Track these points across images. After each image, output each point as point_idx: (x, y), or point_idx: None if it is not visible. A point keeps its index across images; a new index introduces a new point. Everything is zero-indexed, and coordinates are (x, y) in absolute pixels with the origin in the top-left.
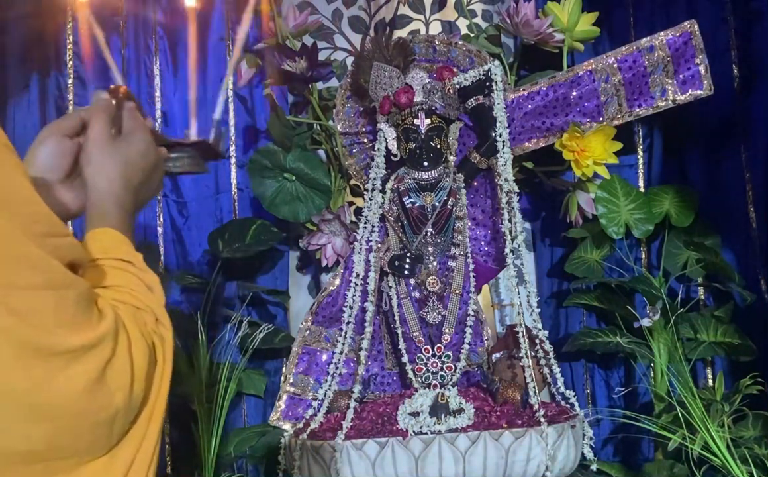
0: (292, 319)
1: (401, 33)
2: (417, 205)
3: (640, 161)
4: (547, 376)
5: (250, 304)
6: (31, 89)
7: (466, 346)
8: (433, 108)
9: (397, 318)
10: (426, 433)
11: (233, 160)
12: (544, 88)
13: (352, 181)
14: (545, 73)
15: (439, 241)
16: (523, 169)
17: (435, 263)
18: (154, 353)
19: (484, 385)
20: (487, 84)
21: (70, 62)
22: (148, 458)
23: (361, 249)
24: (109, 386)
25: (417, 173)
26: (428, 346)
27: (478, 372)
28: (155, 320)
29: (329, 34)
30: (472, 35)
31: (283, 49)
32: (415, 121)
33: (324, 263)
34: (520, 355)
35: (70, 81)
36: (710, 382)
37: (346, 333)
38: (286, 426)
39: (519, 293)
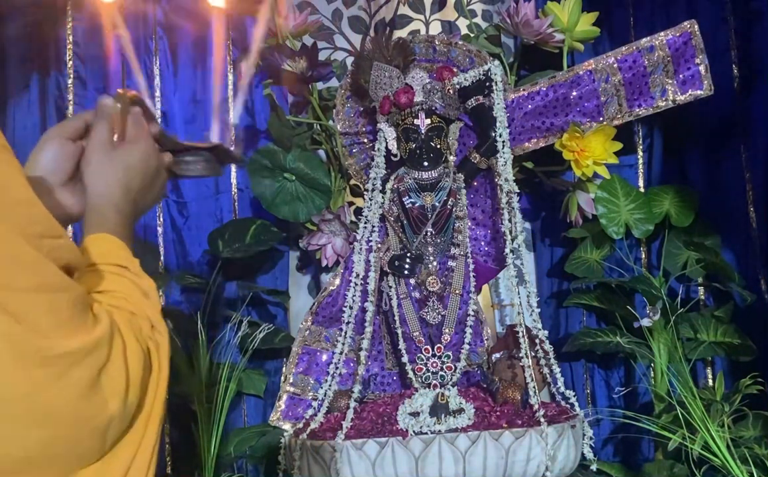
0: (292, 319)
1: (401, 33)
2: (417, 205)
3: (640, 161)
4: (547, 376)
5: (250, 304)
6: (31, 89)
7: (466, 346)
8: (433, 108)
9: (397, 318)
10: (426, 433)
11: None
12: (544, 88)
13: (352, 181)
14: (545, 73)
15: (439, 241)
16: (523, 169)
17: (435, 263)
18: (149, 359)
19: (484, 385)
20: (487, 84)
21: (70, 62)
22: (145, 466)
23: (361, 249)
24: (104, 392)
25: (417, 173)
26: (428, 346)
27: (478, 372)
28: (151, 326)
29: (329, 34)
30: (472, 35)
31: (283, 49)
32: (415, 121)
33: (324, 263)
34: (520, 355)
35: (70, 81)
36: (710, 382)
37: (346, 333)
38: (286, 426)
39: (519, 293)
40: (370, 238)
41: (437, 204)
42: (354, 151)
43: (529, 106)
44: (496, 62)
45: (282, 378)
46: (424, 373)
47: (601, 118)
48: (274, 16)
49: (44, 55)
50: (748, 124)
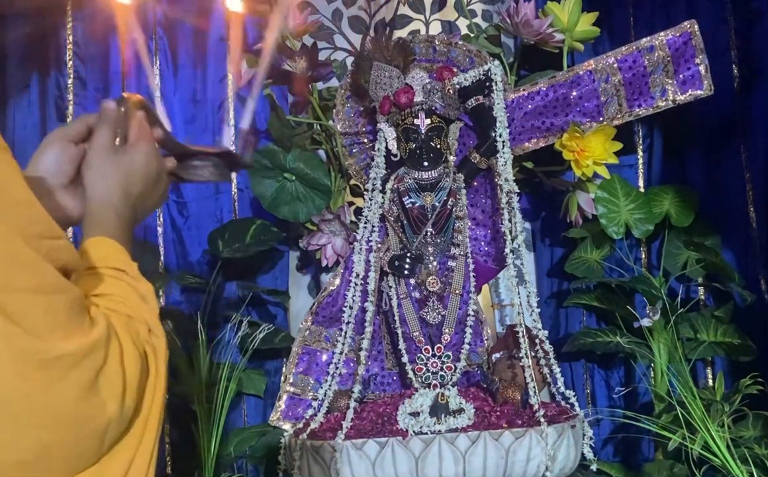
0: (292, 319)
1: (401, 33)
2: (417, 205)
3: (640, 161)
4: (547, 376)
5: (250, 304)
6: (31, 89)
7: (466, 346)
8: (433, 108)
9: (397, 318)
10: (426, 433)
11: None
12: (544, 88)
13: (352, 181)
14: (545, 73)
15: (439, 241)
16: (523, 169)
17: (435, 263)
18: (147, 363)
19: (484, 385)
20: (487, 84)
21: (70, 62)
22: (144, 469)
23: (361, 249)
24: (102, 394)
25: (417, 173)
26: (428, 346)
27: (478, 372)
28: (148, 330)
29: (329, 34)
30: (472, 35)
31: (283, 49)
32: (415, 121)
33: (324, 263)
34: (520, 355)
35: (70, 81)
36: (710, 382)
37: (346, 333)
38: (286, 426)
39: (519, 293)
40: (370, 238)
41: (437, 204)
42: (354, 151)
43: (529, 106)
44: (496, 62)
45: (282, 378)
46: (424, 373)
47: (601, 118)
48: (284, 18)
49: (44, 55)
50: (748, 124)
